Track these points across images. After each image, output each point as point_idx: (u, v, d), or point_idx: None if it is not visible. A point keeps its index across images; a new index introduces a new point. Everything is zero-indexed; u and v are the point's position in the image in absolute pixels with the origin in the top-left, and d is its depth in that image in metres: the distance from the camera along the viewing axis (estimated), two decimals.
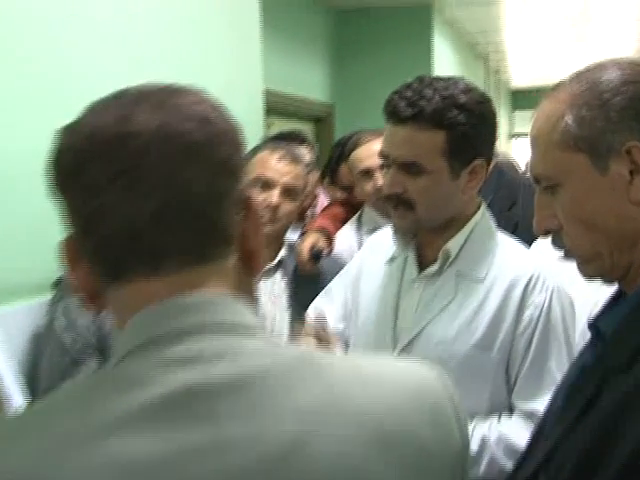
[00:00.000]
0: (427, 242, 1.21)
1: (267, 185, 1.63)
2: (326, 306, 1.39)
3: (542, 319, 1.11)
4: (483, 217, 1.21)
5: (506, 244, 1.21)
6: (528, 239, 1.42)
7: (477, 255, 1.17)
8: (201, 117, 0.54)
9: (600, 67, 0.74)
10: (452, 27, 5.69)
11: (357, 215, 2.06)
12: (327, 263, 1.77)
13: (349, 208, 2.14)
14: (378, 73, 4.64)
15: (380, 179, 1.81)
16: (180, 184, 0.51)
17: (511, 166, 3.98)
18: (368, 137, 1.95)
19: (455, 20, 5.55)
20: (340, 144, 2.22)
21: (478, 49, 7.05)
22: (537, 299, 1.12)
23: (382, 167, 1.82)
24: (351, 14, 4.80)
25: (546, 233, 0.78)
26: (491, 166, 1.20)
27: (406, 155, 1.11)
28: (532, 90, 8.58)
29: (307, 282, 1.69)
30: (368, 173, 1.92)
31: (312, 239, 1.78)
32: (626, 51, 7.31)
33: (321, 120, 4.68)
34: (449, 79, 1.14)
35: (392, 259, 1.27)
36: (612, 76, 0.71)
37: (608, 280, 0.77)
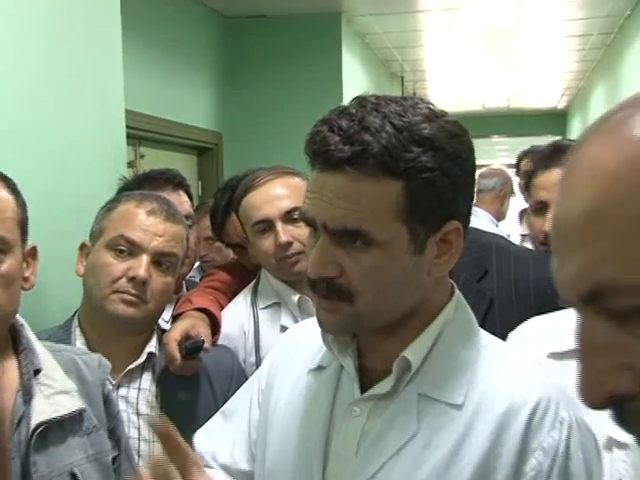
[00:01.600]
0: (373, 345, 1.06)
1: (131, 250, 1.53)
2: (220, 440, 1.22)
3: (556, 471, 0.95)
4: (458, 308, 1.07)
5: (495, 350, 1.07)
6: (507, 323, 1.26)
7: (450, 367, 1.02)
8: None
9: None
10: (363, 40, 5.76)
11: (252, 284, 1.91)
12: (212, 356, 1.65)
13: (241, 275, 2.01)
14: (279, 95, 4.67)
15: (283, 233, 1.71)
16: None
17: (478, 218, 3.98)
18: (266, 176, 1.80)
19: (367, 32, 5.62)
20: (229, 187, 2.10)
21: (394, 67, 7.23)
22: (547, 440, 0.97)
23: (290, 219, 1.72)
24: (244, 23, 4.77)
25: None
26: None
27: (344, 218, 0.94)
28: (456, 116, 8.82)
29: (182, 387, 1.59)
30: (266, 225, 1.76)
31: (184, 325, 1.64)
32: (555, 71, 7.72)
33: (206, 152, 4.67)
34: (405, 100, 0.98)
35: (319, 368, 1.11)
36: None
37: None
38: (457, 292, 1.08)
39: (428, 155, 0.93)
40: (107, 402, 1.35)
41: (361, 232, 0.94)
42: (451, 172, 0.95)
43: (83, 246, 1.59)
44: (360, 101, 0.97)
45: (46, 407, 1.20)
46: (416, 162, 0.93)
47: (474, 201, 1.06)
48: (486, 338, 1.08)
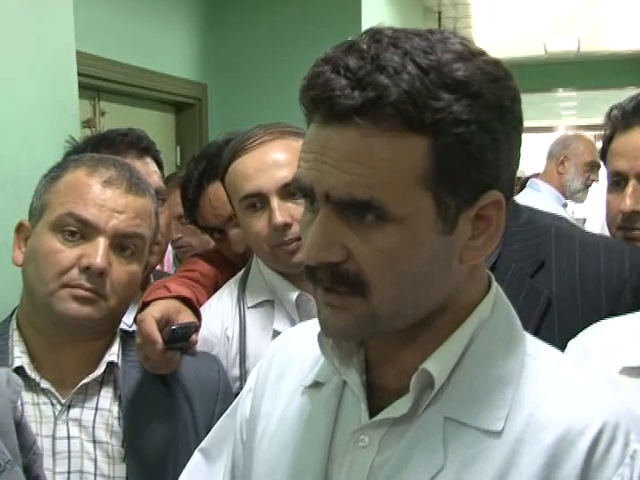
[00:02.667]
0: (386, 355, 1.06)
1: (84, 232, 1.52)
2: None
3: None
4: (497, 307, 1.07)
5: (546, 361, 1.06)
6: (570, 331, 1.29)
7: (486, 383, 1.02)
8: None
9: None
10: None
11: (240, 276, 1.92)
12: (191, 367, 1.66)
13: (223, 265, 2.03)
14: (278, 35, 4.66)
15: (280, 211, 1.71)
16: None
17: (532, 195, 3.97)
18: (261, 137, 1.80)
19: None
20: (205, 155, 2.12)
21: (428, 1, 7.13)
22: (616, 476, 0.96)
23: (289, 194, 1.72)
24: None
25: None
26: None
27: (351, 186, 0.93)
28: (510, 64, 8.74)
29: (153, 408, 1.58)
30: (259, 200, 1.76)
31: (165, 306, 1.65)
32: None
33: (186, 108, 4.70)
34: (431, 33, 0.97)
35: (315, 385, 1.13)
36: None
37: None
38: (495, 285, 1.08)
39: (462, 104, 0.92)
40: (20, 430, 1.31)
41: (373, 204, 0.93)
42: (492, 127, 0.94)
43: (20, 227, 1.59)
44: (373, 34, 0.95)
45: None
46: (447, 112, 0.91)
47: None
48: (534, 346, 1.07)
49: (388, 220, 0.94)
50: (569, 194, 4.54)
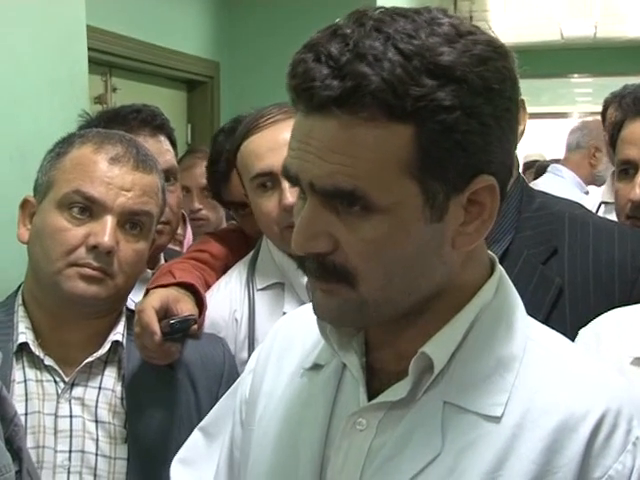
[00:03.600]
0: (386, 338, 1.07)
1: (91, 210, 1.50)
2: (200, 470, 1.28)
3: None
4: (500, 290, 1.07)
5: (549, 346, 1.06)
6: (582, 320, 1.30)
7: (487, 367, 1.02)
8: None
9: None
10: None
11: (250, 257, 1.92)
12: (195, 349, 1.65)
13: (239, 247, 2.01)
14: (292, 12, 4.62)
15: (291, 192, 1.68)
16: None
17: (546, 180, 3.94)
18: (275, 115, 1.80)
19: None
20: (227, 129, 2.10)
21: None
22: (616, 466, 0.97)
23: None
24: None
25: None
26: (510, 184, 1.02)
27: (334, 177, 0.93)
28: (526, 49, 8.76)
29: (156, 389, 1.58)
30: (270, 180, 1.75)
31: (165, 295, 1.64)
32: None
33: (198, 86, 4.68)
34: (419, 14, 0.96)
35: (315, 367, 1.13)
36: None
37: None
38: (498, 269, 1.08)
39: (446, 90, 0.91)
40: (0, 402, 1.29)
41: (357, 194, 0.93)
42: (479, 111, 0.93)
43: (25, 203, 1.58)
44: (359, 17, 0.94)
45: None
46: (429, 100, 0.90)
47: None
48: (539, 332, 1.08)
49: (374, 210, 0.94)
50: (598, 181, 4.49)
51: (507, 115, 0.97)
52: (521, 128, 1.70)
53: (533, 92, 8.95)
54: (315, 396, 1.11)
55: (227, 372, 1.63)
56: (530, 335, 1.05)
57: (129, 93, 3.92)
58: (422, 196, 0.94)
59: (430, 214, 0.95)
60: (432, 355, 1.00)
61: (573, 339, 1.35)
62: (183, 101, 4.64)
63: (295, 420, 1.12)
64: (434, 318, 1.02)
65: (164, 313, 1.57)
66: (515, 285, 1.33)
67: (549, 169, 4.74)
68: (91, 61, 3.50)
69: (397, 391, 1.02)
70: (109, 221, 1.49)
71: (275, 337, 1.25)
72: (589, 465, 0.96)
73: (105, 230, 1.48)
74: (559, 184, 4.21)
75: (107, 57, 3.68)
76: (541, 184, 4.48)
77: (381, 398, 1.03)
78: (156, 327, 1.52)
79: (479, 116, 0.93)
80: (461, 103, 0.91)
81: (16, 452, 1.31)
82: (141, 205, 1.53)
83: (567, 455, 0.96)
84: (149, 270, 2.00)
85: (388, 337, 1.06)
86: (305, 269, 1.00)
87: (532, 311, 1.53)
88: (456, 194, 0.96)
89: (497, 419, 0.99)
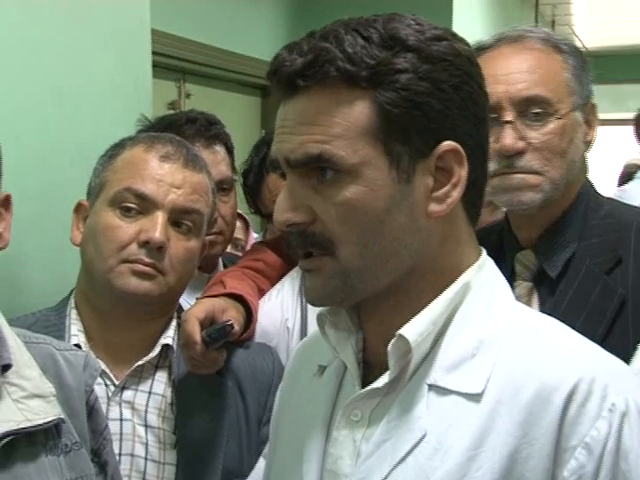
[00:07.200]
0: (377, 330, 1.11)
1: (142, 207, 1.52)
2: None
3: (603, 475, 0.97)
4: (482, 270, 1.11)
5: (533, 325, 1.09)
6: None
7: (469, 347, 1.05)
8: None
9: None
10: None
11: None
12: (245, 357, 1.66)
13: (290, 254, 1.94)
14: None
15: None
16: None
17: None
18: None
19: None
20: (265, 142, 2.14)
21: None
22: (591, 433, 0.98)
23: None
24: None
25: None
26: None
27: (304, 145, 1.02)
28: (610, 53, 8.56)
29: (207, 395, 1.58)
30: None
31: (211, 304, 1.64)
32: None
33: (272, 91, 4.59)
34: (383, 18, 1.06)
35: (320, 369, 1.19)
36: None
37: None
38: (484, 256, 1.12)
39: (399, 57, 1.00)
40: (92, 414, 1.33)
41: (324, 157, 1.00)
42: (433, 76, 1.01)
43: (79, 207, 1.59)
44: (331, 27, 1.05)
45: (14, 414, 1.19)
46: (383, 65, 1.00)
47: None
48: (523, 312, 1.11)
49: (343, 173, 1.01)
50: None
51: (466, 88, 1.05)
52: (592, 134, 1.65)
53: (619, 97, 8.75)
54: (318, 395, 1.15)
55: (276, 382, 1.60)
56: (514, 316, 1.08)
57: (203, 99, 3.96)
58: (387, 157, 1.01)
59: (397, 175, 1.02)
60: (409, 337, 1.02)
61: (634, 351, 1.30)
62: (257, 107, 4.65)
63: (301, 421, 1.16)
64: (418, 302, 1.06)
65: (210, 323, 1.57)
66: (576, 295, 1.26)
67: (637, 175, 4.66)
68: (164, 67, 3.55)
69: (382, 379, 1.05)
70: (160, 217, 1.50)
71: (297, 351, 1.32)
72: (565, 434, 0.98)
73: (156, 226, 1.48)
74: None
75: (181, 63, 3.72)
76: (628, 190, 4.41)
77: (368, 387, 1.07)
78: (197, 337, 1.52)
79: (433, 81, 1.01)
80: (414, 67, 1.00)
81: (102, 465, 1.35)
82: (191, 203, 1.54)
83: (543, 426, 0.98)
84: (206, 274, 2.01)
85: (380, 327, 1.09)
86: (291, 246, 1.07)
87: (593, 322, 1.47)
88: (421, 158, 1.02)
89: (478, 397, 1.02)
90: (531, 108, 1.54)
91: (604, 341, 1.39)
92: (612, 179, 6.00)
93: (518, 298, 1.53)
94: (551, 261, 1.56)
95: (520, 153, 1.53)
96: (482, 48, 1.62)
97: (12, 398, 1.20)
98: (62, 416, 1.24)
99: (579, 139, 1.59)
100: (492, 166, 1.54)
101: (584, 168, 1.66)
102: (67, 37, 1.90)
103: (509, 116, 1.54)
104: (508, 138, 1.53)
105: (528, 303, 1.53)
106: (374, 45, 1.00)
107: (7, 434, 1.16)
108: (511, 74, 1.56)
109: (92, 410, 1.33)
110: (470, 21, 5.20)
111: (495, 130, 1.53)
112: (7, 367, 1.21)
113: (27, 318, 1.55)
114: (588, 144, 1.64)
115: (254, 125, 4.56)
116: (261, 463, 1.36)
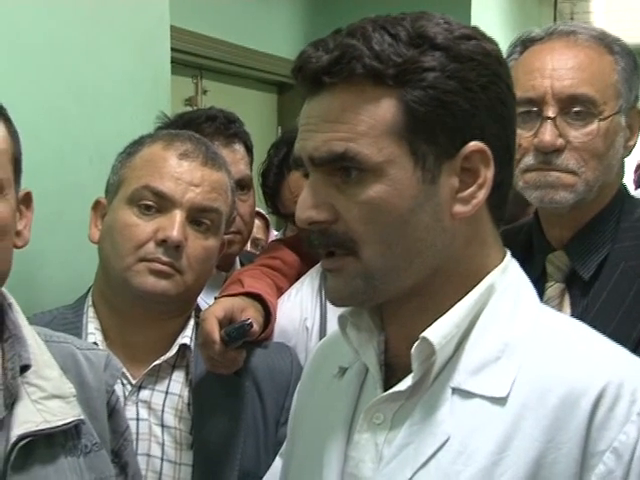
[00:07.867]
0: (400, 332, 1.10)
1: (160, 206, 1.50)
2: None
3: (633, 477, 0.96)
4: (506, 273, 1.10)
5: (559, 328, 1.09)
6: None
7: (494, 350, 1.04)
8: None
9: None
10: None
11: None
12: (263, 357, 1.64)
13: (308, 253, 1.93)
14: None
15: None
16: None
17: None
18: None
19: None
20: (285, 141, 2.09)
21: None
22: (620, 437, 0.97)
23: None
24: None
25: None
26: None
27: (328, 143, 1.01)
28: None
29: (224, 395, 1.56)
30: None
31: (230, 303, 1.63)
32: None
33: (289, 88, 4.65)
34: (411, 17, 1.05)
35: (341, 371, 1.18)
36: None
37: None
38: (508, 257, 1.11)
39: (427, 55, 0.99)
40: (113, 415, 1.33)
41: (349, 155, 0.99)
42: (460, 75, 1.00)
43: (97, 204, 1.58)
44: (359, 25, 1.03)
45: (33, 415, 1.18)
46: (411, 63, 0.98)
47: None
48: (548, 314, 1.10)
49: (367, 172, 1.00)
50: None
51: (495, 88, 1.03)
52: (634, 140, 1.63)
53: None
54: (338, 398, 1.14)
55: (294, 383, 1.59)
56: (539, 318, 1.07)
57: (220, 95, 3.95)
58: (412, 156, 1.00)
59: (422, 175, 1.00)
60: (433, 340, 1.01)
61: None
62: (273, 103, 4.64)
63: (320, 423, 1.15)
64: (442, 304, 1.05)
65: (228, 322, 1.55)
66: (610, 297, 1.25)
67: None
68: (181, 63, 3.54)
69: (406, 381, 1.05)
70: (178, 216, 1.48)
71: (315, 353, 1.31)
72: (593, 438, 0.97)
73: (174, 225, 1.47)
74: None
75: (198, 59, 3.70)
76: None
77: (391, 390, 1.06)
78: (216, 336, 1.51)
79: (461, 80, 1.00)
80: (441, 65, 0.99)
81: (122, 467, 1.35)
82: (210, 201, 1.53)
83: (570, 430, 0.97)
84: (223, 273, 2.00)
85: (403, 330, 1.08)
86: (313, 245, 1.05)
87: (628, 325, 1.46)
88: (447, 158, 1.01)
89: (503, 400, 1.01)
90: (574, 106, 1.51)
91: (639, 344, 1.38)
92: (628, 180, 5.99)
93: (550, 299, 1.52)
94: (584, 263, 1.54)
95: (558, 151, 1.50)
96: (532, 40, 1.59)
97: (31, 399, 1.19)
98: (82, 417, 1.23)
99: (620, 143, 1.56)
100: (528, 160, 1.53)
101: (620, 172, 1.64)
102: (86, 34, 1.90)
103: (551, 112, 1.51)
104: (547, 134, 1.50)
105: (560, 305, 1.52)
106: (402, 43, 0.99)
107: (25, 436, 1.15)
108: (559, 69, 1.53)
109: (113, 410, 1.33)
110: (488, 18, 5.18)
111: (533, 124, 1.52)
112: (26, 367, 1.20)
113: (44, 316, 1.54)
114: (629, 149, 1.62)
115: (271, 122, 4.55)
116: (277, 462, 1.35)
